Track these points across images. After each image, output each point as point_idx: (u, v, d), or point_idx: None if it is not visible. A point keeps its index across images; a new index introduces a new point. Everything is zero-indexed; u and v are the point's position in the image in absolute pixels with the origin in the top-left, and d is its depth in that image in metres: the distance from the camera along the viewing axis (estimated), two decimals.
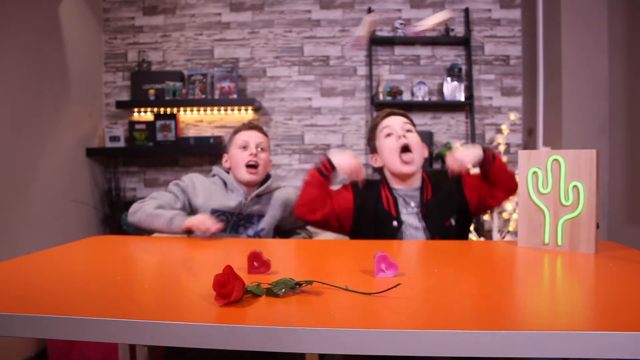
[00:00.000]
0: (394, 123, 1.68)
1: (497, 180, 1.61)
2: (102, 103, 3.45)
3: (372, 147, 1.76)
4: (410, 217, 1.65)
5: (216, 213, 1.73)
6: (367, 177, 1.71)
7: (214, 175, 1.85)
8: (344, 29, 3.37)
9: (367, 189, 1.70)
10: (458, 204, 1.66)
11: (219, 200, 1.75)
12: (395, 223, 1.62)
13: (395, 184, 1.69)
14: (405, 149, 1.63)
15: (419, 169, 1.68)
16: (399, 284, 0.88)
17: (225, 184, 1.81)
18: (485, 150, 1.59)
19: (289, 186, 1.95)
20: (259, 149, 1.80)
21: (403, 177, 1.67)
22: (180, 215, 1.64)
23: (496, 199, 1.66)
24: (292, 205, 1.77)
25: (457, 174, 1.64)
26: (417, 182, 1.69)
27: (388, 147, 1.66)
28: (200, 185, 1.78)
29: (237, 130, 1.85)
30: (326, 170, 1.63)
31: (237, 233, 1.77)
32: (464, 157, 1.57)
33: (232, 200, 1.76)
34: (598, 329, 0.68)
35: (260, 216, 1.80)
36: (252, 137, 1.81)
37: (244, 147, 1.79)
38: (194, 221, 1.59)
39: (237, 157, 1.79)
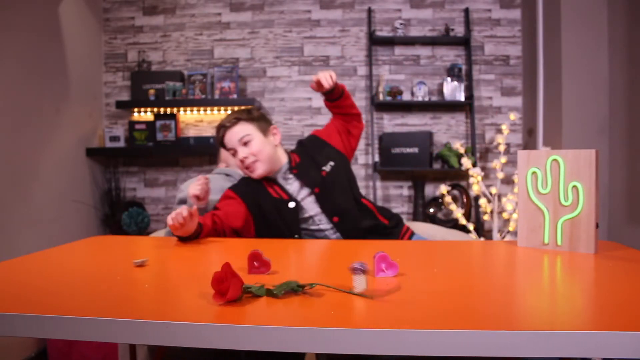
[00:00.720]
0: (231, 142, 1.74)
1: (345, 110, 1.81)
2: (102, 103, 3.45)
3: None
4: (293, 186, 1.75)
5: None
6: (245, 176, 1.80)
7: (228, 175, 1.88)
8: (344, 29, 3.37)
9: (249, 186, 1.76)
10: (328, 154, 1.79)
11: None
12: (291, 204, 1.71)
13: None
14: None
15: (272, 161, 1.74)
16: (398, 289, 0.87)
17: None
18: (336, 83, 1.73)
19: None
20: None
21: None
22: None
23: (353, 133, 1.85)
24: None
25: (311, 136, 1.86)
26: (282, 160, 1.79)
27: (237, 165, 1.77)
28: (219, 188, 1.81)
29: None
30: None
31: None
32: (321, 76, 1.68)
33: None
34: (598, 329, 0.68)
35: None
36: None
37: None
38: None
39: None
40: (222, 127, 1.75)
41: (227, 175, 1.97)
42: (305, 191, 1.74)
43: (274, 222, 1.71)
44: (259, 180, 1.76)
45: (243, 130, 1.72)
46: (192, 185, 1.69)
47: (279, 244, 1.51)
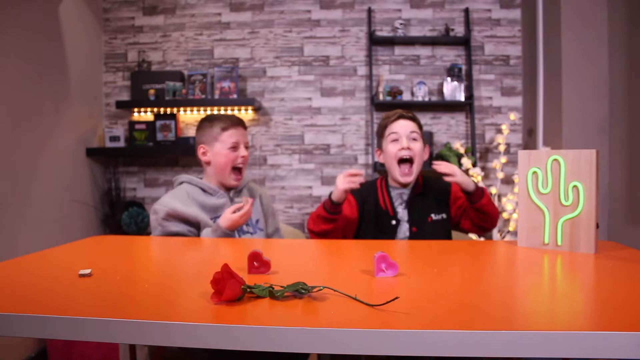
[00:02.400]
0: (402, 130, 1.72)
1: (483, 216, 1.68)
2: (102, 103, 3.45)
3: (379, 143, 1.82)
4: (402, 210, 1.76)
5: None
6: (365, 179, 1.76)
7: (181, 183, 1.72)
8: (344, 29, 3.37)
9: (366, 190, 1.79)
10: (441, 207, 1.76)
11: (205, 210, 1.66)
12: (393, 222, 1.72)
13: (393, 183, 1.79)
14: (406, 160, 1.71)
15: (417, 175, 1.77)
16: (397, 297, 0.85)
17: (202, 189, 1.69)
18: (476, 185, 1.65)
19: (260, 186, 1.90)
20: (246, 149, 1.70)
21: (400, 183, 1.76)
22: (207, 232, 1.59)
23: (466, 227, 1.76)
24: (267, 204, 1.82)
25: (444, 180, 1.71)
26: (412, 183, 1.78)
27: (391, 153, 1.73)
28: (180, 203, 1.63)
29: (224, 126, 1.68)
30: (332, 209, 1.62)
31: (237, 237, 1.72)
32: (458, 171, 1.63)
33: (216, 203, 1.68)
34: (598, 329, 0.68)
35: None
36: (242, 137, 1.68)
37: (234, 148, 1.66)
38: (230, 220, 1.53)
39: (226, 157, 1.66)
40: (400, 115, 1.75)
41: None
42: (406, 223, 1.73)
43: (369, 230, 1.73)
44: (375, 184, 1.79)
45: (416, 134, 1.75)
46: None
47: (279, 244, 1.50)
